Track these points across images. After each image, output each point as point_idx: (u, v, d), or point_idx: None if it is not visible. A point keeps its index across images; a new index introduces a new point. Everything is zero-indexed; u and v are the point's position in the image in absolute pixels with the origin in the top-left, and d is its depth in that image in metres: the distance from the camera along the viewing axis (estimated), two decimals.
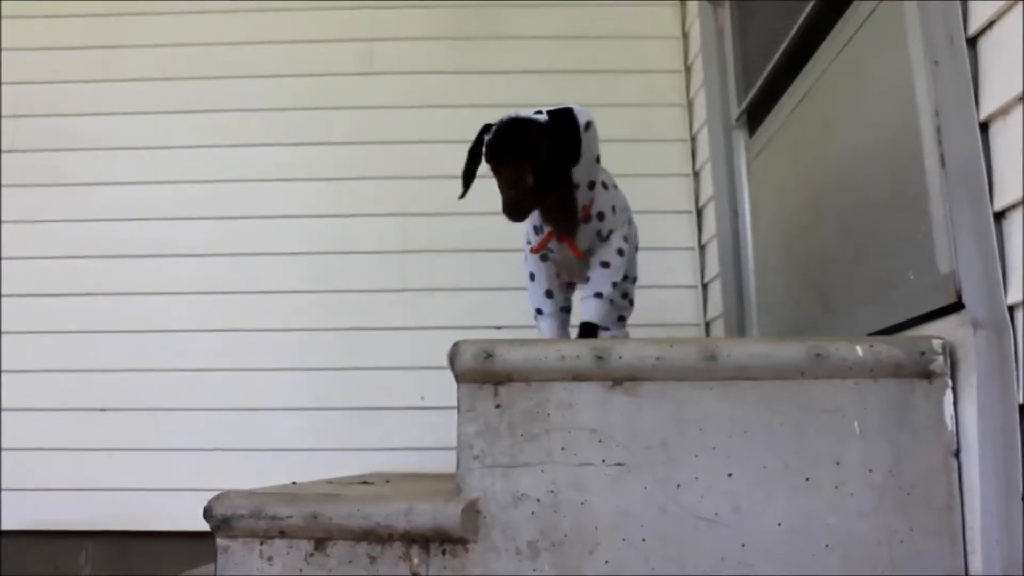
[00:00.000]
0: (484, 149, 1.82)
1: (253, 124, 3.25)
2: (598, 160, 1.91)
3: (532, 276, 2.05)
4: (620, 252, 1.99)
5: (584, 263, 1.99)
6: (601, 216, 1.92)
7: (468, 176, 1.89)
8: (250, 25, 3.33)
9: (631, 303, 2.27)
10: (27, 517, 2.97)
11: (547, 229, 1.93)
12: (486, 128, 1.87)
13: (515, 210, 1.77)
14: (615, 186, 2.04)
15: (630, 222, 2.11)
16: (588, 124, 1.84)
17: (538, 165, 1.78)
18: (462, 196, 1.88)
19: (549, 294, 2.03)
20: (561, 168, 1.81)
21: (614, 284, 1.97)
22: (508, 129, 1.80)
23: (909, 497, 1.30)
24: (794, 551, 1.30)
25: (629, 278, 2.22)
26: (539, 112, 1.84)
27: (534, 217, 1.93)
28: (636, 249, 2.22)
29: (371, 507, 1.32)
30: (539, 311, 2.05)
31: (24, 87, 3.30)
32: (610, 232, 1.96)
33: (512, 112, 1.85)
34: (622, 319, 2.26)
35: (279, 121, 3.25)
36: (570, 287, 2.14)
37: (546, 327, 2.04)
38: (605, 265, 1.97)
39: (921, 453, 1.32)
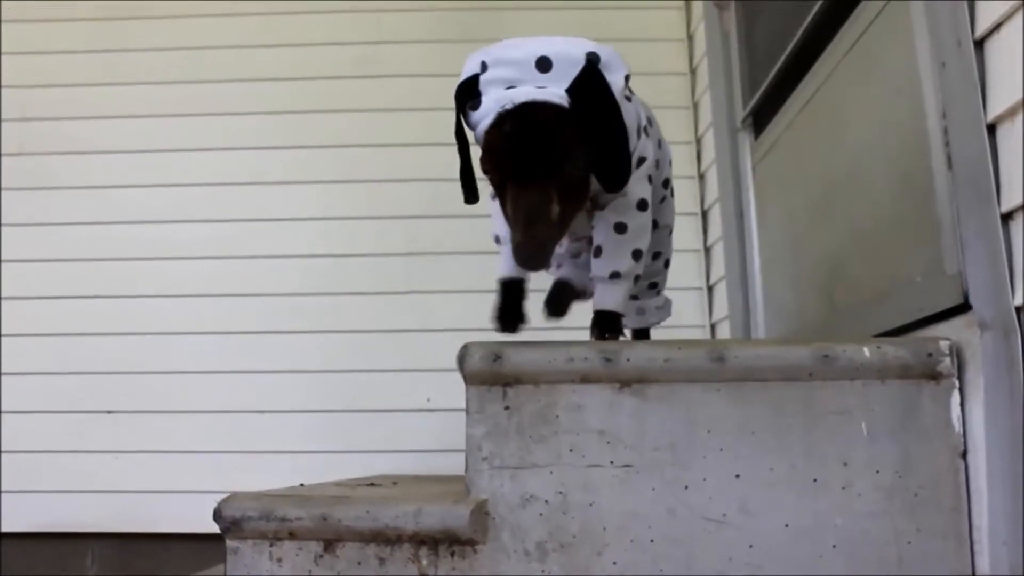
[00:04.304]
0: (491, 152, 1.31)
1: (257, 127, 3.27)
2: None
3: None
4: (643, 205, 1.46)
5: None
6: None
7: (468, 174, 1.40)
8: (253, 29, 3.35)
9: (666, 265, 1.81)
10: (33, 519, 2.99)
11: None
12: (465, 93, 1.34)
13: (537, 256, 1.26)
14: (629, 98, 1.43)
15: (660, 145, 1.59)
16: (627, 78, 1.34)
17: (571, 185, 1.29)
18: (471, 201, 1.43)
19: None
20: (584, 181, 1.32)
21: (636, 255, 1.49)
22: (530, 127, 1.26)
23: (916, 498, 1.31)
24: (802, 552, 1.30)
25: (662, 226, 1.73)
26: (546, 62, 1.30)
27: None
28: (667, 185, 1.72)
29: (380, 509, 1.33)
30: (498, 239, 1.57)
31: (25, 91, 3.32)
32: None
33: (520, 76, 1.30)
34: (654, 286, 1.83)
35: (284, 124, 3.27)
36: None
37: (505, 259, 1.54)
38: (621, 228, 1.46)
39: (928, 454, 1.32)
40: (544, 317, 1.60)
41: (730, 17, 2.95)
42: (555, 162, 1.26)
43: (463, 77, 1.36)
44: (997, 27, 1.35)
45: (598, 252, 1.51)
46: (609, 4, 3.29)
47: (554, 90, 1.28)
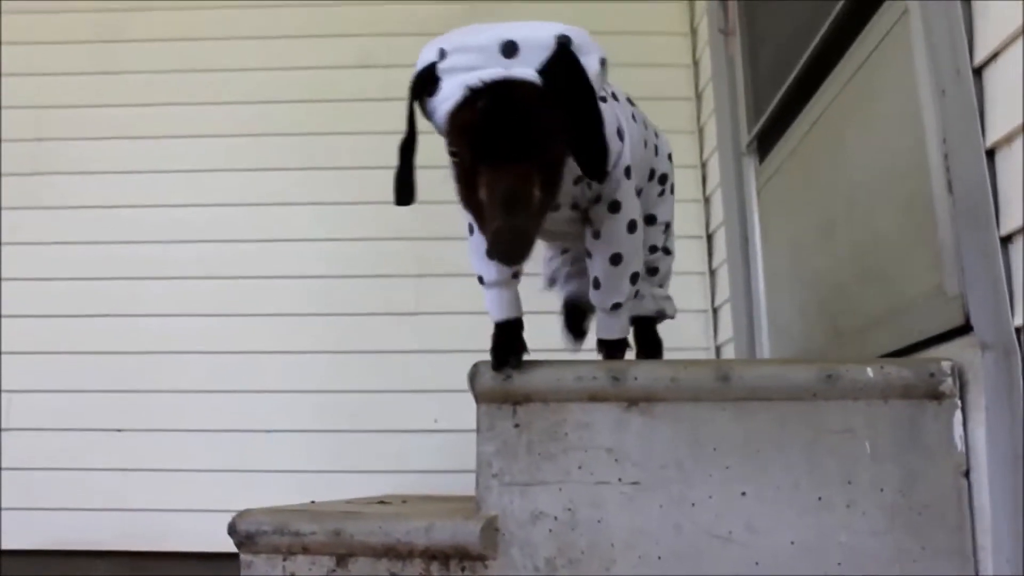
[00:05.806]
0: (462, 131, 1.20)
1: (266, 148, 3.30)
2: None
3: (472, 229, 1.44)
4: (632, 226, 1.43)
5: (565, 218, 1.43)
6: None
7: (407, 173, 1.33)
8: (260, 51, 3.39)
9: (667, 252, 1.76)
10: (42, 537, 3.00)
11: None
12: (421, 83, 1.24)
13: (518, 247, 1.13)
14: (615, 96, 1.42)
15: (646, 144, 1.57)
16: (603, 62, 1.25)
17: (551, 167, 1.20)
18: (405, 202, 1.36)
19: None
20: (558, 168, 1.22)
21: (633, 278, 1.48)
22: (507, 103, 1.17)
23: (920, 517, 1.32)
24: (806, 569, 1.32)
25: (660, 223, 1.70)
26: (511, 46, 1.20)
27: None
28: (665, 181, 1.69)
29: (392, 524, 1.35)
30: (481, 279, 1.47)
31: (34, 111, 3.36)
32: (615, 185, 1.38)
33: (484, 62, 1.20)
34: (653, 271, 1.75)
35: (293, 145, 3.30)
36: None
37: (493, 302, 1.45)
38: (616, 260, 1.44)
39: (931, 473, 1.34)
40: (570, 344, 1.66)
41: (735, 43, 2.99)
42: (537, 139, 1.16)
43: (419, 67, 1.26)
44: (995, 56, 1.38)
45: (596, 284, 1.50)
46: (615, 29, 3.33)
47: (524, 70, 1.20)
